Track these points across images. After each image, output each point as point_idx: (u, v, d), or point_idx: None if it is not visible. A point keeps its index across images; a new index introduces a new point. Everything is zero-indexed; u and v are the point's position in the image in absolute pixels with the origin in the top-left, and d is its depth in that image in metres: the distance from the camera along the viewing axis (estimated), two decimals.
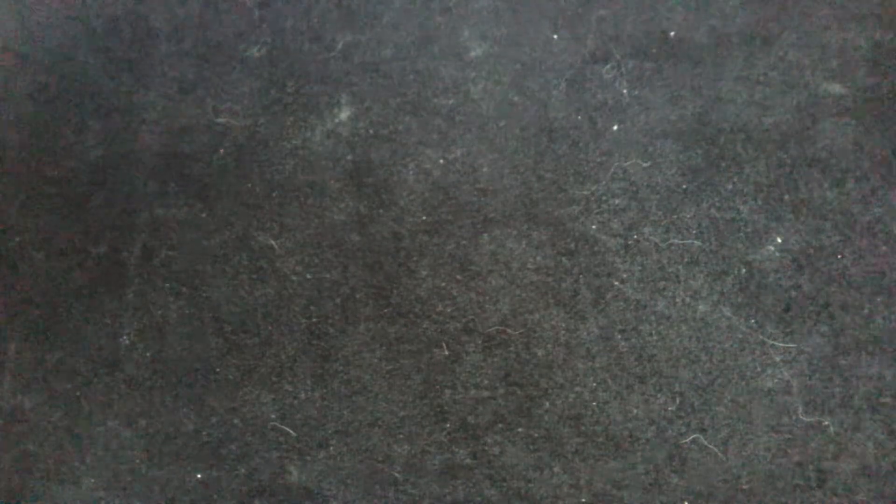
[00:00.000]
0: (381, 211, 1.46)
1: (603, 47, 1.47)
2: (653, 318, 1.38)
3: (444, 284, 1.43)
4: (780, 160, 1.40)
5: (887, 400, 1.32)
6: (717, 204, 1.40)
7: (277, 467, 1.41)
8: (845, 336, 1.34)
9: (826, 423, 1.33)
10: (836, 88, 1.42)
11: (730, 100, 1.43)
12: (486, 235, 1.43)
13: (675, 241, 1.40)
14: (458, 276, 1.43)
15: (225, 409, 1.43)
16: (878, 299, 1.35)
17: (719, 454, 1.34)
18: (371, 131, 1.49)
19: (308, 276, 1.45)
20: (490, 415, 1.39)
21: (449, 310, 1.42)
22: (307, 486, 1.40)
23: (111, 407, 1.45)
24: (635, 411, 1.36)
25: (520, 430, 1.38)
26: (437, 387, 1.40)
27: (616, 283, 1.40)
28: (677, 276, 1.39)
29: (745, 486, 1.33)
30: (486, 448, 1.38)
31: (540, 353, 1.39)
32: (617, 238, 1.41)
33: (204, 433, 1.43)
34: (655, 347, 1.37)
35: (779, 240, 1.38)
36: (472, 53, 1.50)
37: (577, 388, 1.38)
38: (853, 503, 1.31)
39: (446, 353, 1.41)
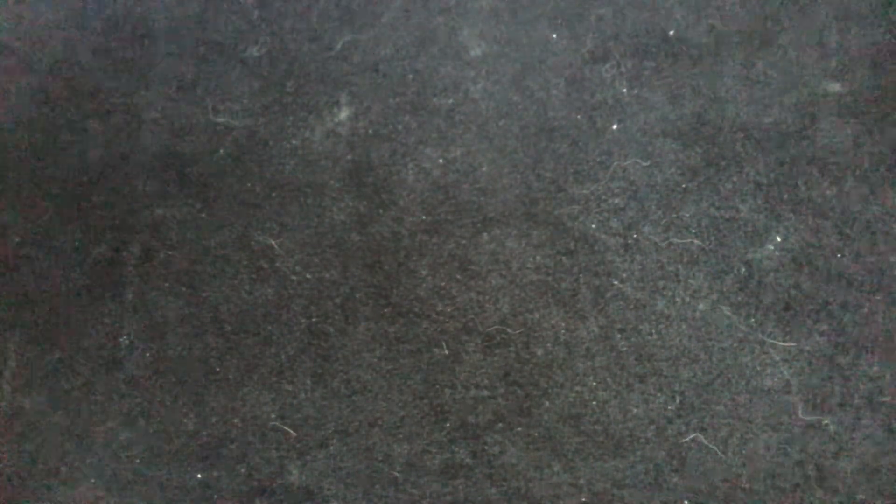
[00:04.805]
0: (381, 211, 1.46)
1: (602, 47, 1.47)
2: (652, 317, 1.38)
3: (444, 284, 1.43)
4: (780, 159, 1.40)
5: (887, 399, 1.32)
6: (717, 203, 1.40)
7: (277, 467, 1.41)
8: (845, 335, 1.34)
9: (826, 422, 1.33)
10: (836, 88, 1.42)
11: (729, 99, 1.43)
12: (486, 235, 1.44)
13: (675, 240, 1.40)
14: (458, 276, 1.43)
15: (225, 409, 1.43)
16: (878, 298, 1.35)
17: (719, 453, 1.34)
18: (371, 131, 1.49)
19: (308, 276, 1.45)
20: (490, 415, 1.39)
21: (449, 310, 1.42)
22: (307, 486, 1.40)
23: (111, 407, 1.45)
24: (635, 410, 1.36)
25: (520, 429, 1.38)
26: (437, 387, 1.40)
27: (616, 282, 1.40)
28: (677, 276, 1.39)
29: (745, 485, 1.33)
30: (486, 448, 1.38)
31: (540, 352, 1.39)
32: (616, 237, 1.41)
33: (204, 433, 1.43)
34: (655, 347, 1.37)
35: (778, 239, 1.38)
36: (472, 53, 1.50)
37: (577, 388, 1.38)
38: (853, 502, 1.31)
39: (446, 352, 1.41)
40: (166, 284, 1.48)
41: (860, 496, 1.31)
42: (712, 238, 1.39)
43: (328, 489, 1.40)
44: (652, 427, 1.36)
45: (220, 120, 1.52)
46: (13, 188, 1.54)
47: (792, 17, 1.45)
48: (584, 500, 1.36)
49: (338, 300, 1.44)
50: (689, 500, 1.34)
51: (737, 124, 1.42)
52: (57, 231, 1.51)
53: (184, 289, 1.47)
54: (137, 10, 1.58)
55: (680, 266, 1.39)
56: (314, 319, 1.44)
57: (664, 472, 1.34)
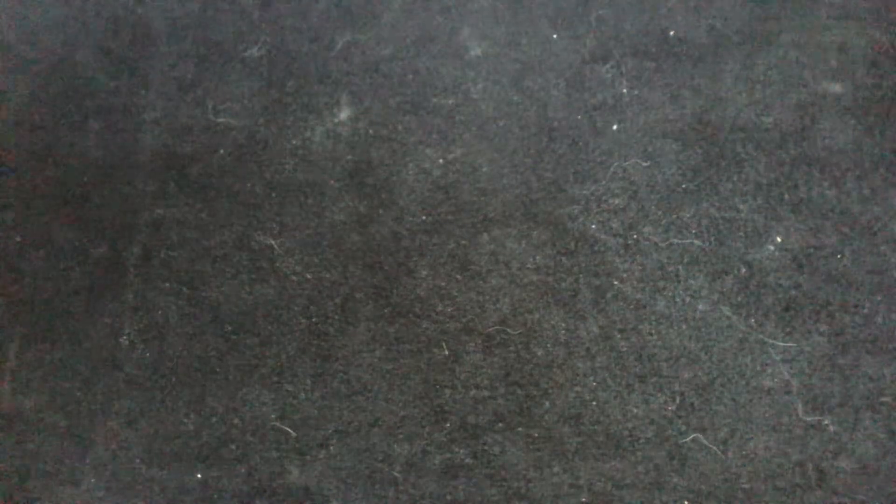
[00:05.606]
0: (381, 211, 1.46)
1: (602, 47, 1.47)
2: (653, 317, 1.38)
3: (444, 284, 1.43)
4: (780, 159, 1.40)
5: (887, 399, 1.32)
6: (717, 203, 1.40)
7: (277, 467, 1.41)
8: (845, 335, 1.34)
9: (826, 422, 1.33)
10: (836, 88, 1.42)
11: (729, 99, 1.43)
12: (486, 235, 1.44)
13: (675, 240, 1.40)
14: (458, 276, 1.43)
15: (225, 409, 1.43)
16: (878, 299, 1.35)
17: (719, 453, 1.34)
18: (371, 131, 1.49)
19: (308, 276, 1.45)
20: (490, 415, 1.39)
21: (449, 310, 1.42)
22: (307, 486, 1.40)
23: (111, 407, 1.45)
24: (635, 411, 1.36)
25: (520, 429, 1.38)
26: (437, 387, 1.40)
27: (616, 282, 1.40)
28: (677, 276, 1.39)
29: (745, 486, 1.33)
30: (486, 448, 1.38)
31: (540, 352, 1.39)
32: (617, 237, 1.41)
33: (204, 433, 1.43)
34: (655, 347, 1.37)
35: (778, 239, 1.38)
36: (472, 53, 1.50)
37: (577, 388, 1.38)
38: (853, 503, 1.31)
39: (446, 353, 1.41)
40: (166, 284, 1.48)
41: (860, 497, 1.31)
42: (712, 238, 1.39)
43: (328, 489, 1.40)
44: (652, 427, 1.36)
45: (220, 120, 1.52)
46: (13, 188, 1.54)
47: (792, 18, 1.45)
48: (584, 500, 1.36)
49: (338, 300, 1.44)
50: (689, 500, 1.34)
51: (737, 124, 1.42)
52: (57, 231, 1.51)
53: (184, 289, 1.47)
54: (137, 10, 1.58)
55: (680, 266, 1.39)
56: (314, 319, 1.44)
57: (664, 473, 1.34)
